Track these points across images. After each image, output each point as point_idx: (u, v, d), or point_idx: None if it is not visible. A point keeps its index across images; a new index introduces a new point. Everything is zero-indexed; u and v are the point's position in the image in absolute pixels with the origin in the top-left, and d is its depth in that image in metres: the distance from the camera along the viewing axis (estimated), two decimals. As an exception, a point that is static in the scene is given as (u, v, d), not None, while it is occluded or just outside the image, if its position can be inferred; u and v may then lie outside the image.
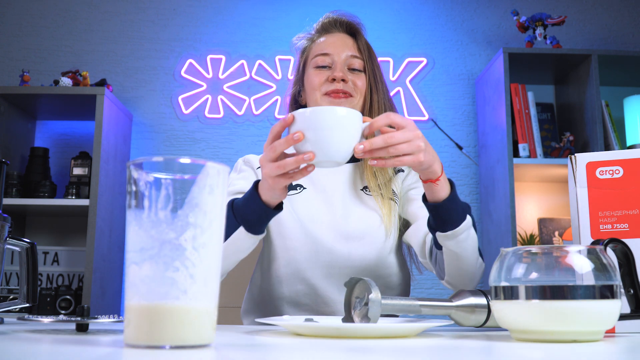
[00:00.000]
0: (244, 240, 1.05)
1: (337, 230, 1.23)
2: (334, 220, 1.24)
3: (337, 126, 0.88)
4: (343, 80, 1.25)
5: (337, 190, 1.27)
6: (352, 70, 1.28)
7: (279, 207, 1.04)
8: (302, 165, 0.92)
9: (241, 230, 1.04)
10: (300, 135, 0.88)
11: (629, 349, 0.66)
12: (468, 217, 1.05)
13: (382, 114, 0.95)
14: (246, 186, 1.21)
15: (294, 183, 1.26)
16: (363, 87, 1.28)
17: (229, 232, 1.05)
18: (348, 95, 1.26)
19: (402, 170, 1.31)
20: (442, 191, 1.01)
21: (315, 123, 0.88)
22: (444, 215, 1.03)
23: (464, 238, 1.04)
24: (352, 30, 1.33)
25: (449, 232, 1.03)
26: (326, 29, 1.34)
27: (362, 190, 1.27)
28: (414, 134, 0.93)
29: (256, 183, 1.03)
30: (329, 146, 0.88)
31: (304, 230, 1.22)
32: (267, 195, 1.00)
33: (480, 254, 1.13)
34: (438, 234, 1.05)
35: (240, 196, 1.11)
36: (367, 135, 0.92)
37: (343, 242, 1.22)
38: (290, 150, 0.95)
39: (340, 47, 1.29)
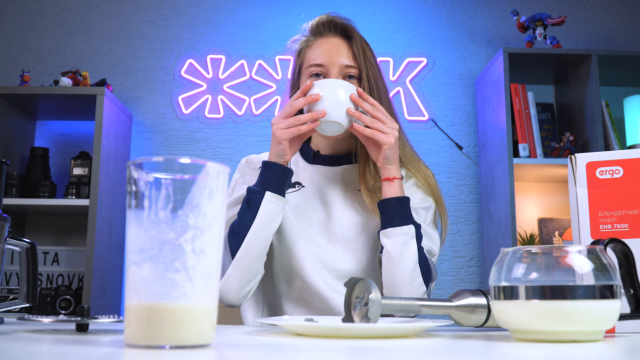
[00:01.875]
0: (273, 207, 1.15)
1: (330, 230, 1.24)
2: (328, 220, 1.25)
3: (340, 93, 1.15)
4: None
5: (334, 189, 1.28)
6: (347, 78, 1.25)
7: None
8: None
9: (267, 196, 1.15)
10: (318, 96, 1.13)
11: (629, 349, 0.66)
12: (412, 227, 1.15)
13: (374, 101, 1.17)
14: None
15: (293, 181, 1.29)
16: None
17: (254, 210, 1.15)
18: None
19: (401, 177, 1.31)
20: (394, 192, 1.17)
21: (324, 90, 1.15)
22: (387, 212, 1.16)
23: (401, 242, 1.13)
24: (346, 32, 1.28)
25: (388, 230, 1.15)
26: (320, 31, 1.30)
27: (359, 191, 1.27)
28: (394, 126, 1.16)
29: (263, 161, 1.18)
30: (333, 108, 1.14)
31: (299, 227, 1.24)
32: (274, 155, 1.16)
33: (426, 282, 1.17)
34: (380, 232, 1.17)
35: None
36: (355, 98, 1.16)
37: (334, 241, 1.23)
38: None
39: (335, 56, 1.25)
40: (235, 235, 1.16)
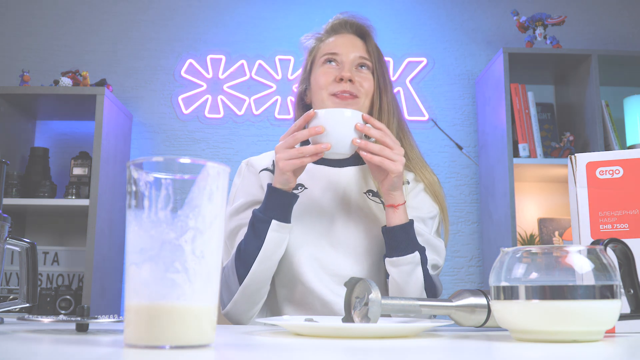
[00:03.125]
0: (278, 235, 1.13)
1: (332, 235, 1.22)
2: (330, 224, 1.23)
3: (345, 124, 1.09)
4: (350, 80, 1.24)
5: (338, 192, 1.26)
6: (360, 68, 1.26)
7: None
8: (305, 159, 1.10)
9: (273, 225, 1.13)
10: (321, 129, 1.08)
11: (629, 349, 0.66)
12: (417, 254, 1.14)
13: (381, 125, 1.11)
14: (250, 199, 1.27)
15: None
16: (370, 88, 1.27)
17: (260, 238, 1.12)
18: (354, 96, 1.25)
19: (408, 182, 1.30)
20: (398, 219, 1.14)
21: (328, 121, 1.09)
22: (393, 240, 1.14)
23: (407, 270, 1.13)
24: (362, 32, 1.30)
25: (394, 259, 1.13)
26: (336, 30, 1.32)
27: (365, 193, 1.26)
28: (401, 151, 1.11)
29: (269, 185, 1.15)
30: (338, 139, 1.09)
31: (301, 231, 1.22)
32: (279, 182, 1.12)
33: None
34: (386, 259, 1.15)
35: (249, 210, 1.22)
36: (361, 127, 1.10)
37: (337, 246, 1.22)
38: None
39: (350, 48, 1.27)
40: (242, 261, 1.16)
